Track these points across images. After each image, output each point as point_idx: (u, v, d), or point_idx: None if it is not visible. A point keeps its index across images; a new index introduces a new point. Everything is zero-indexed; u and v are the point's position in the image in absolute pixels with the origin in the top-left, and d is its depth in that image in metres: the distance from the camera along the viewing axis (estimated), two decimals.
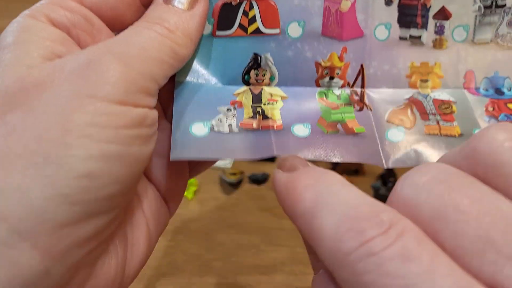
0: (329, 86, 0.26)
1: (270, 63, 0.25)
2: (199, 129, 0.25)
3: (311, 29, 0.26)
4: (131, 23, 0.22)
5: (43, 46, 0.20)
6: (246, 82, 0.26)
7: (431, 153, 0.25)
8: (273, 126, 0.25)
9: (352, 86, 0.27)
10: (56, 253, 0.18)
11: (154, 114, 0.21)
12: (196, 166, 0.28)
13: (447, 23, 0.27)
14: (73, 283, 0.19)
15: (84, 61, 0.19)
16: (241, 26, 0.25)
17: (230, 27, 0.25)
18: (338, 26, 0.26)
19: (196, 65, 0.25)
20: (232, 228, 0.49)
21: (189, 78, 0.25)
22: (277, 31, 0.25)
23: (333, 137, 0.25)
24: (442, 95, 0.27)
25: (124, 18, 0.23)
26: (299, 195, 0.17)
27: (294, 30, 0.26)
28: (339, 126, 0.25)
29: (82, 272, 0.20)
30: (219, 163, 0.57)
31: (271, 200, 0.52)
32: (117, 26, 0.22)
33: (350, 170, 0.55)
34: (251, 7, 0.25)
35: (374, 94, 0.27)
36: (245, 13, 0.25)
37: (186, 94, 0.25)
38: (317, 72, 0.26)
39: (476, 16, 0.27)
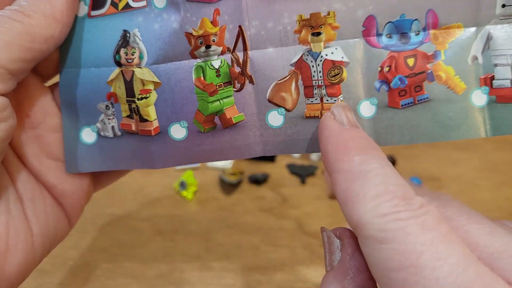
0: (206, 55, 0.23)
1: (138, 40, 0.23)
2: (88, 135, 0.25)
3: None
4: None
5: None
6: (118, 63, 0.24)
7: (306, 141, 0.24)
8: (151, 132, 0.24)
9: (233, 51, 0.23)
10: None
11: None
12: (100, 178, 0.28)
13: None
14: None
15: None
16: (113, 3, 0.24)
17: (103, 5, 0.24)
18: None
19: (73, 51, 0.24)
20: (232, 228, 0.49)
21: (68, 66, 0.24)
22: (144, 3, 0.23)
23: (210, 136, 0.24)
24: (336, 53, 0.23)
25: None
26: (349, 154, 0.19)
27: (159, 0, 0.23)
28: (216, 119, 0.24)
29: None
30: (218, 164, 0.57)
31: (271, 200, 0.52)
32: None
33: None
34: None
35: (259, 56, 0.23)
36: None
37: (68, 86, 0.24)
38: (190, 43, 0.23)
39: None
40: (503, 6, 0.22)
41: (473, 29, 0.23)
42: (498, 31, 0.23)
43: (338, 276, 0.19)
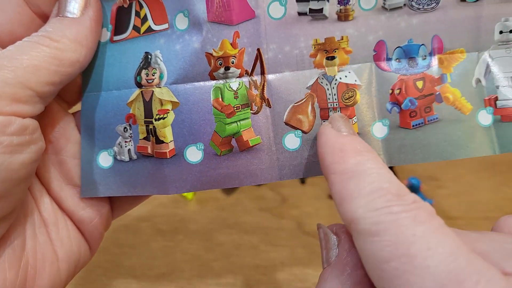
0: (225, 77, 0.24)
1: (159, 60, 0.24)
2: (105, 159, 0.25)
3: (196, 17, 0.24)
4: None
5: None
6: (139, 84, 0.25)
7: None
8: (166, 154, 0.24)
9: (251, 74, 0.24)
10: None
11: (25, 122, 0.20)
12: (118, 205, 0.28)
13: None
14: None
15: None
16: (135, 27, 0.24)
17: (125, 30, 0.24)
18: (225, 9, 0.23)
19: (95, 75, 0.25)
20: (232, 228, 0.49)
21: (89, 90, 0.25)
22: (166, 26, 0.24)
23: (226, 160, 0.24)
24: (349, 76, 0.24)
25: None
26: (344, 156, 0.20)
27: (181, 22, 0.24)
28: (233, 142, 0.24)
29: None
30: None
31: (271, 200, 0.52)
32: None
33: None
34: (141, 6, 0.24)
35: (276, 80, 0.24)
36: (137, 14, 0.24)
37: (89, 110, 0.25)
38: (210, 64, 0.24)
39: None
40: (501, 32, 0.24)
41: (474, 54, 0.24)
42: (497, 55, 0.24)
43: (336, 272, 0.20)
